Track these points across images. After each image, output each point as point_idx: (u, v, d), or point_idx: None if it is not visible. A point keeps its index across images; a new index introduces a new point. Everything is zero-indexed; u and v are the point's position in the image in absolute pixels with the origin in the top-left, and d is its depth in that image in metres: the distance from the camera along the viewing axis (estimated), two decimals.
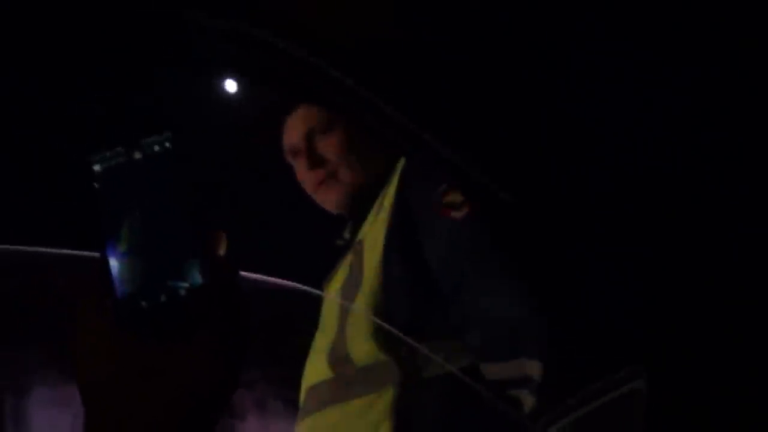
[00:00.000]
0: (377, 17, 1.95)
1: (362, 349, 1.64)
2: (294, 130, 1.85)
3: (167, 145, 0.80)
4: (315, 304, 1.87)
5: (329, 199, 1.85)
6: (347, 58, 1.91)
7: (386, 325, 1.62)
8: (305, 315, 1.91)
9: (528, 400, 1.54)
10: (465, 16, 1.95)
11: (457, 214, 1.62)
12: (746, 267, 1.79)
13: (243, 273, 0.82)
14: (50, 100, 1.96)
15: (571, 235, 1.81)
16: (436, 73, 1.95)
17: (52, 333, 1.65)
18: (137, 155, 0.80)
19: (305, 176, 1.86)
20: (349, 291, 1.73)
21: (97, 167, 0.79)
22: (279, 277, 1.77)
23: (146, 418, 0.74)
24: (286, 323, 1.94)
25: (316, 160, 1.83)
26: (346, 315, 1.71)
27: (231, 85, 2.02)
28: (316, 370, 1.76)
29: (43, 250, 1.70)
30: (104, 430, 0.75)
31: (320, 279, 1.88)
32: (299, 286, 1.76)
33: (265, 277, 1.70)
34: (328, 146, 1.82)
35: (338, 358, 1.69)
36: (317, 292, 1.80)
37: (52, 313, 1.61)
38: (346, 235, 1.87)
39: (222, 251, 0.80)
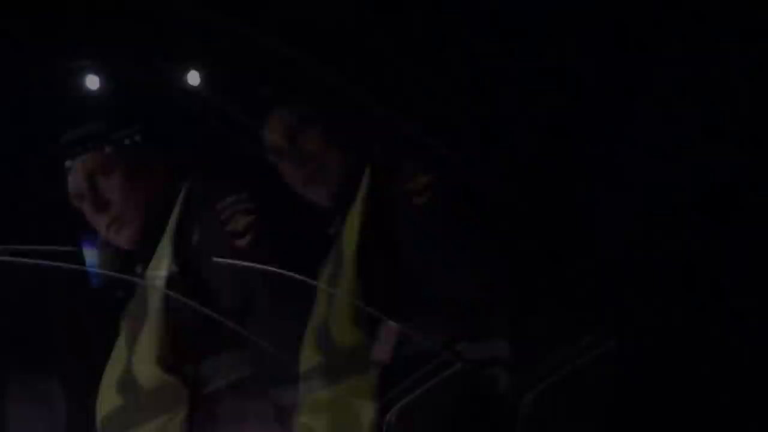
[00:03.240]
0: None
1: (345, 333, 1.71)
2: (275, 131, 1.87)
3: (137, 138, 0.81)
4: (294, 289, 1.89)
5: (320, 193, 1.88)
6: (323, 45, 1.93)
7: (365, 310, 1.68)
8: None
9: (502, 376, 1.61)
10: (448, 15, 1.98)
11: (418, 200, 1.70)
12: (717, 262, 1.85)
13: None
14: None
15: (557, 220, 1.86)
16: (410, 64, 1.98)
17: (28, 330, 1.66)
18: (108, 149, 0.80)
19: (293, 175, 1.88)
20: (333, 278, 1.78)
21: (69, 164, 0.80)
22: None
23: None
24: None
25: (301, 158, 1.85)
26: (331, 301, 1.77)
27: (195, 77, 2.02)
28: (308, 353, 1.80)
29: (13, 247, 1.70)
30: None
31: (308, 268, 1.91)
32: (291, 274, 1.78)
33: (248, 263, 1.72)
34: (311, 142, 1.85)
35: (325, 342, 1.75)
36: (309, 280, 1.82)
37: (27, 311, 1.61)
38: (336, 225, 1.90)
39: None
